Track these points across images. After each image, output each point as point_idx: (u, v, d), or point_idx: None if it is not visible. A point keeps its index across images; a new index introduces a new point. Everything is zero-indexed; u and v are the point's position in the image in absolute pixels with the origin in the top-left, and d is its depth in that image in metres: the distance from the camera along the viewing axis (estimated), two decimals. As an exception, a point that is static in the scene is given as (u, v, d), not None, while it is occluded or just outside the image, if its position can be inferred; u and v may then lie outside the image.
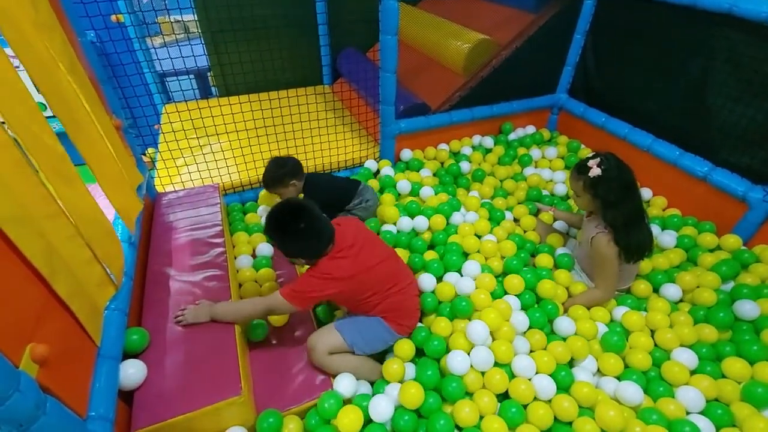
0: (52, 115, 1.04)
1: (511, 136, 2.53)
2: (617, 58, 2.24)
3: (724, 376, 1.28)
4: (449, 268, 1.59)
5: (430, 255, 1.66)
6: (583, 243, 1.60)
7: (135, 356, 1.12)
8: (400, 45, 1.87)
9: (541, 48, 2.31)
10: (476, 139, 2.47)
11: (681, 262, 1.71)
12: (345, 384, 1.22)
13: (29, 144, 0.87)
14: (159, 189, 1.92)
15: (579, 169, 1.45)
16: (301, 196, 1.79)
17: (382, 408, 1.14)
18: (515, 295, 1.49)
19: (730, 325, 1.41)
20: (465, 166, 2.25)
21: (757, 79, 1.66)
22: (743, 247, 1.71)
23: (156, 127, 2.51)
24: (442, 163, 2.32)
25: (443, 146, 2.40)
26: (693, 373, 1.29)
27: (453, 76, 2.34)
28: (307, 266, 1.26)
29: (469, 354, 1.29)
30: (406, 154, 2.31)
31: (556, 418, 1.16)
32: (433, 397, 1.19)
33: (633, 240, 1.42)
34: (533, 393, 1.20)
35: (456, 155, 2.38)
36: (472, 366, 1.27)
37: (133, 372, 1.05)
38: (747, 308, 1.41)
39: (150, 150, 2.85)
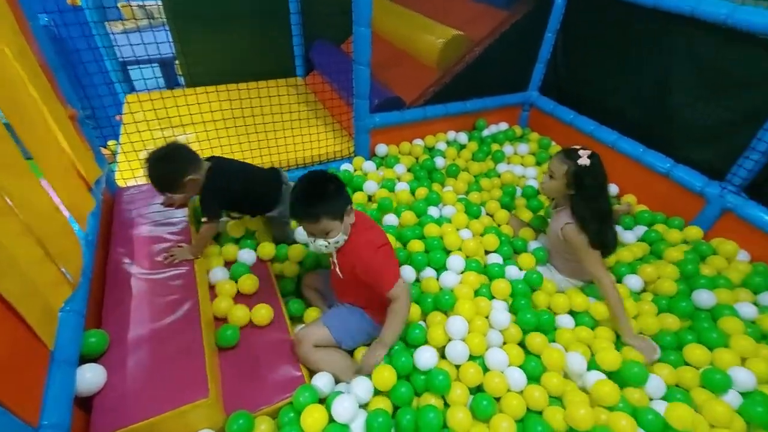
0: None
1: (485, 133, 2.55)
2: (586, 57, 2.30)
3: (685, 363, 1.34)
4: (433, 264, 1.60)
5: (416, 246, 1.64)
6: (552, 236, 1.63)
7: (94, 360, 1.06)
8: (374, 38, 1.84)
9: (513, 45, 2.33)
10: (451, 134, 2.48)
11: (644, 255, 1.77)
12: (324, 381, 1.20)
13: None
14: (120, 183, 1.82)
15: (568, 154, 1.47)
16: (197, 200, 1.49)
17: (343, 408, 1.09)
18: (503, 299, 1.51)
19: (691, 314, 1.48)
20: (439, 161, 2.26)
21: (715, 78, 1.74)
22: (701, 240, 1.79)
23: (117, 118, 2.38)
24: (417, 159, 2.32)
25: (418, 141, 2.40)
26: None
27: (427, 71, 2.34)
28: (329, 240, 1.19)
29: (444, 348, 1.30)
30: (381, 149, 2.29)
31: (528, 409, 1.18)
32: (405, 386, 1.18)
33: (602, 237, 1.46)
34: (506, 386, 1.21)
35: (431, 150, 2.39)
36: (446, 359, 1.28)
37: (90, 376, 0.99)
38: (704, 298, 1.48)
39: (111, 142, 2.71)
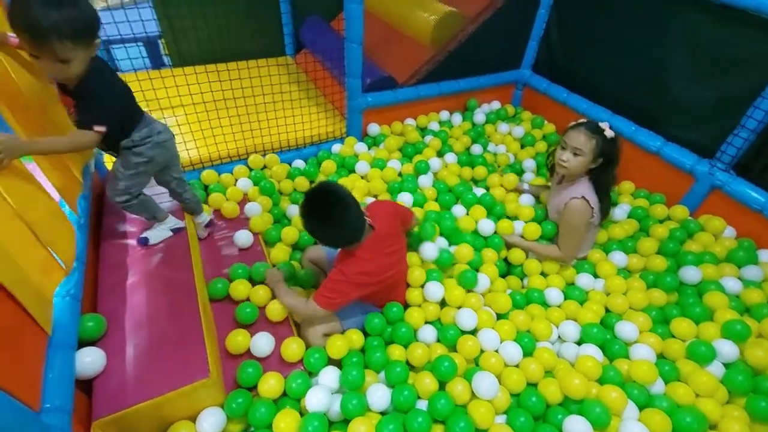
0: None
1: (477, 112, 2.52)
2: (579, 35, 2.27)
3: (673, 337, 1.38)
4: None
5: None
6: (552, 212, 1.65)
7: (92, 343, 1.06)
8: (365, 15, 1.80)
9: (506, 22, 2.29)
10: (444, 114, 2.46)
11: (635, 232, 1.80)
12: (330, 377, 1.19)
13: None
14: (109, 167, 1.79)
15: (592, 129, 1.45)
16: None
17: (317, 400, 1.11)
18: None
19: (677, 289, 1.52)
20: (429, 139, 2.24)
21: (708, 59, 1.74)
22: (689, 218, 1.82)
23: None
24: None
25: (410, 121, 2.38)
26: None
27: (420, 49, 2.30)
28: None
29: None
30: (374, 129, 2.27)
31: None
32: (400, 366, 1.21)
33: (609, 202, 1.58)
34: (503, 363, 1.25)
35: (423, 130, 2.37)
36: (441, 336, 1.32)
37: (90, 360, 0.99)
38: (690, 273, 1.52)
39: (97, 125, 2.64)
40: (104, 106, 1.07)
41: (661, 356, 1.33)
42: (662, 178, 1.95)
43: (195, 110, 1.84)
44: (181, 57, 2.63)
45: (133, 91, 1.21)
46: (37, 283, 0.92)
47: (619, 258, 1.63)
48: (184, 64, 2.61)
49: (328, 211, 1.12)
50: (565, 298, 1.51)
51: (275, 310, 1.32)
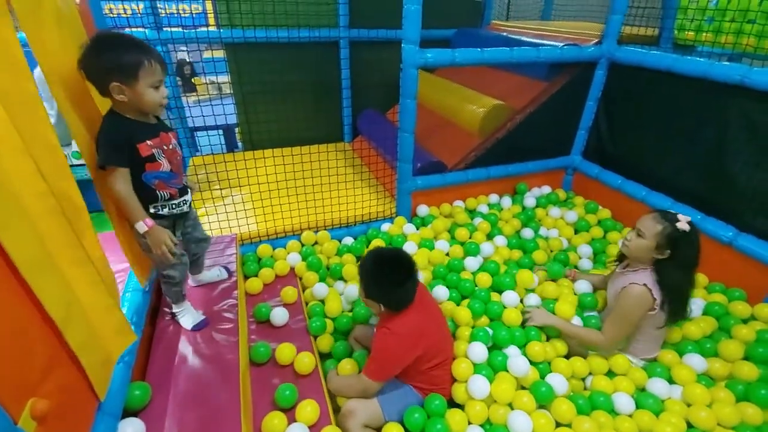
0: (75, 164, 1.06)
1: (527, 196, 2.53)
2: (631, 124, 2.28)
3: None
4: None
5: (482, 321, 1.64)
6: (610, 298, 1.53)
7: (134, 414, 1.07)
8: (418, 107, 1.95)
9: (554, 113, 2.38)
10: (493, 197, 2.49)
11: (712, 332, 1.60)
12: None
13: (58, 195, 0.89)
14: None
15: (664, 215, 1.41)
16: None
17: None
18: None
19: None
20: (478, 222, 2.24)
21: (773, 146, 1.66)
22: (780, 319, 1.60)
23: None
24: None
25: (459, 203, 2.42)
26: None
27: (469, 138, 2.42)
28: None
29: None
30: (422, 210, 2.32)
31: None
32: None
33: (681, 311, 1.42)
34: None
35: (471, 213, 2.39)
36: None
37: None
38: (791, 387, 1.29)
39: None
40: None
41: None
42: (740, 272, 1.77)
43: (259, 189, 2.01)
44: (252, 142, 2.96)
45: (207, 171, 1.37)
46: (107, 346, 0.96)
47: (697, 362, 1.43)
48: (253, 148, 2.93)
49: (394, 272, 1.20)
50: (637, 407, 1.32)
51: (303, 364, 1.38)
